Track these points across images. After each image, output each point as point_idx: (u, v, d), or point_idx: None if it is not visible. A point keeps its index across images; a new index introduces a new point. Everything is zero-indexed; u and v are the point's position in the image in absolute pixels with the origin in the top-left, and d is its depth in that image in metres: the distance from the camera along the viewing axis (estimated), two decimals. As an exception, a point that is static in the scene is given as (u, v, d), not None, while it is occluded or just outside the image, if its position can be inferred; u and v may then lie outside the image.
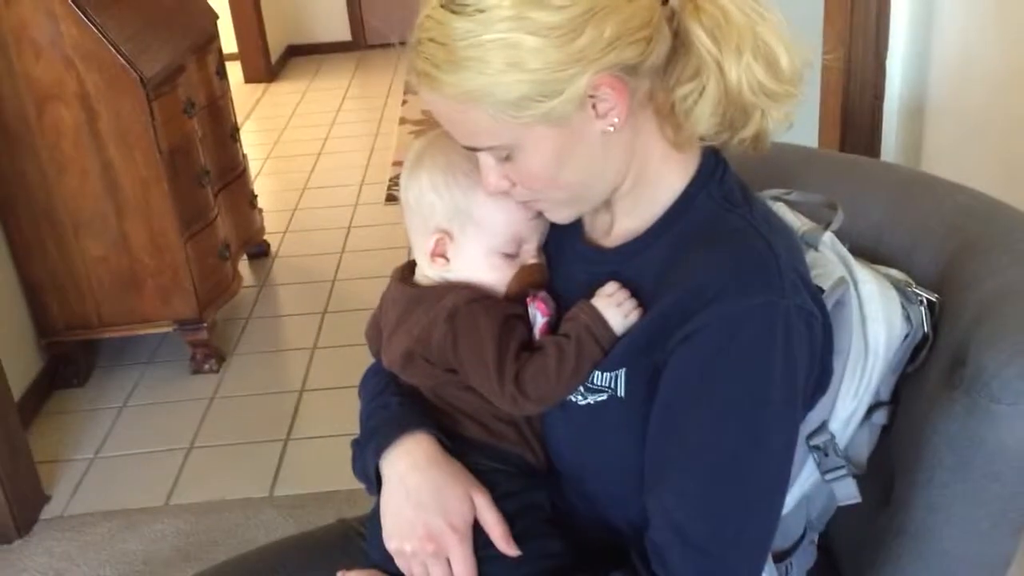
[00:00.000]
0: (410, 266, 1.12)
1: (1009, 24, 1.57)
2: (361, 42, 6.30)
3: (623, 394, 0.96)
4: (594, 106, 0.88)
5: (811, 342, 0.91)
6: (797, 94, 0.94)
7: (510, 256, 1.05)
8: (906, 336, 1.05)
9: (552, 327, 1.02)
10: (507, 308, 1.02)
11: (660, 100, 0.92)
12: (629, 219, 1.00)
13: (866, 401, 1.04)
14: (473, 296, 1.02)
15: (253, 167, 4.18)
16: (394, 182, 4.09)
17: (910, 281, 1.08)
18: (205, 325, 2.78)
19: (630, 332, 0.96)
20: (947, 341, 1.04)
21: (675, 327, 0.90)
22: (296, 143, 4.68)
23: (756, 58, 0.89)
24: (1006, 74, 1.55)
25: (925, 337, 1.06)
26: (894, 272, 1.10)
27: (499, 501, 0.99)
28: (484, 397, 1.01)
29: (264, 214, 3.48)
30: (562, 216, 1.00)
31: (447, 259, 1.05)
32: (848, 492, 1.04)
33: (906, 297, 1.06)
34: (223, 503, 2.30)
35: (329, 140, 4.69)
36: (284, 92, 5.53)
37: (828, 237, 1.07)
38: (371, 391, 1.12)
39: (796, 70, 0.92)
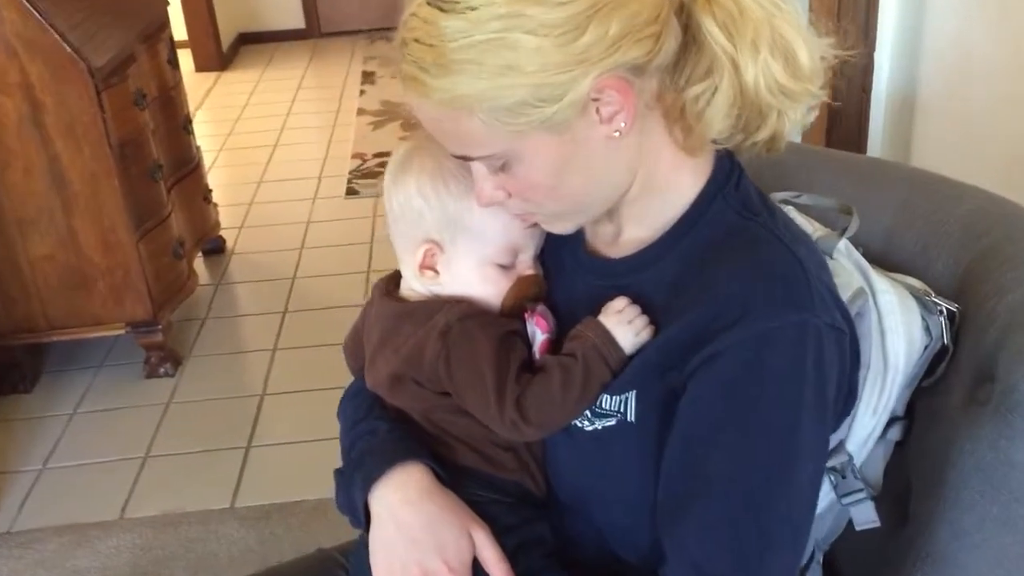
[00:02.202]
0: (395, 278, 1.04)
1: (1010, 15, 1.52)
2: (315, 30, 6.15)
3: (633, 418, 0.88)
4: (598, 110, 0.81)
5: (841, 362, 0.85)
6: (816, 92, 0.87)
7: (505, 267, 0.97)
8: (924, 348, 0.99)
9: (553, 344, 0.94)
10: (505, 324, 0.94)
11: (669, 101, 0.85)
12: (637, 228, 0.93)
13: (884, 419, 0.98)
14: (467, 311, 0.94)
15: (206, 160, 4.01)
16: (354, 175, 3.98)
17: (928, 290, 1.02)
18: (160, 327, 2.66)
19: (641, 352, 0.88)
20: (970, 354, 0.98)
21: (694, 348, 0.83)
22: (250, 135, 4.54)
23: (773, 54, 0.82)
24: (1007, 67, 1.50)
25: (944, 349, 0.99)
26: (911, 280, 1.04)
27: (499, 536, 0.92)
28: (480, 422, 0.93)
29: (219, 209, 3.36)
30: (562, 228, 0.93)
31: (437, 271, 0.97)
32: (867, 516, 0.98)
33: (925, 307, 0.99)
34: (182, 515, 2.20)
35: (285, 131, 4.55)
36: (236, 82, 5.37)
37: (843, 244, 1.01)
38: (352, 414, 1.03)
39: (815, 66, 0.85)
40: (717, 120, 0.84)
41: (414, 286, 1.00)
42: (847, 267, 0.98)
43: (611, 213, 0.92)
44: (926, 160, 1.85)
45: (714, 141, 0.87)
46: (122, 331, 2.66)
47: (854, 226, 1.02)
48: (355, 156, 4.16)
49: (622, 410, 0.89)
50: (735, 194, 0.90)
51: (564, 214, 0.90)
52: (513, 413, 0.89)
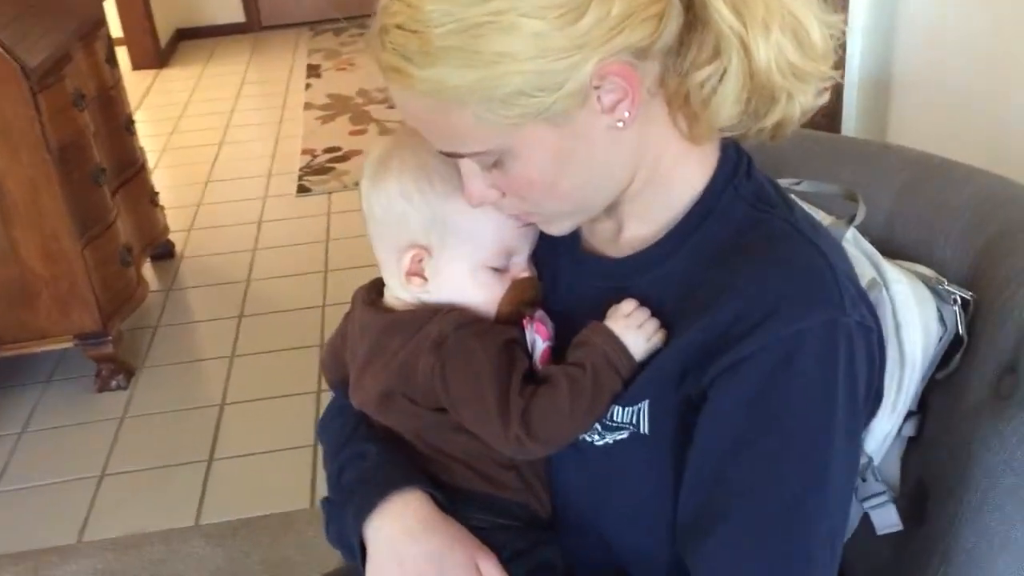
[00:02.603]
0: (377, 286, 0.96)
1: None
2: (256, 23, 5.98)
3: (647, 431, 0.82)
4: (599, 98, 0.75)
5: (870, 362, 0.79)
6: (829, 72, 0.82)
7: (499, 271, 0.90)
8: (939, 339, 0.94)
9: (554, 353, 0.88)
10: (502, 332, 0.87)
11: (672, 87, 0.79)
12: (640, 224, 0.86)
13: (902, 416, 0.93)
14: (461, 320, 0.87)
15: (149, 161, 3.90)
16: (304, 172, 3.87)
17: (941, 278, 0.97)
18: (110, 338, 2.54)
19: (653, 359, 0.82)
20: (990, 345, 0.93)
21: (713, 354, 0.77)
22: (194, 133, 4.40)
23: (785, 33, 0.77)
24: (985, 45, 1.47)
25: (958, 339, 0.95)
26: (921, 268, 0.99)
27: (507, 564, 0.85)
28: (478, 439, 0.86)
29: (166, 212, 3.23)
30: (560, 228, 0.86)
31: (425, 278, 0.90)
32: (889, 520, 0.93)
33: (939, 296, 0.95)
34: (144, 536, 2.09)
35: (230, 129, 4.42)
36: (176, 79, 5.20)
37: (851, 233, 0.96)
38: (337, 436, 0.96)
39: (827, 45, 0.80)
40: (725, 106, 0.78)
41: (400, 295, 0.92)
42: (857, 257, 0.93)
43: (611, 209, 0.86)
44: (903, 141, 1.81)
45: (721, 130, 0.81)
46: (70, 344, 2.54)
47: (861, 213, 0.97)
48: (304, 152, 4.05)
49: (635, 422, 0.83)
50: (746, 185, 0.84)
51: (563, 213, 0.83)
52: (518, 429, 0.82)
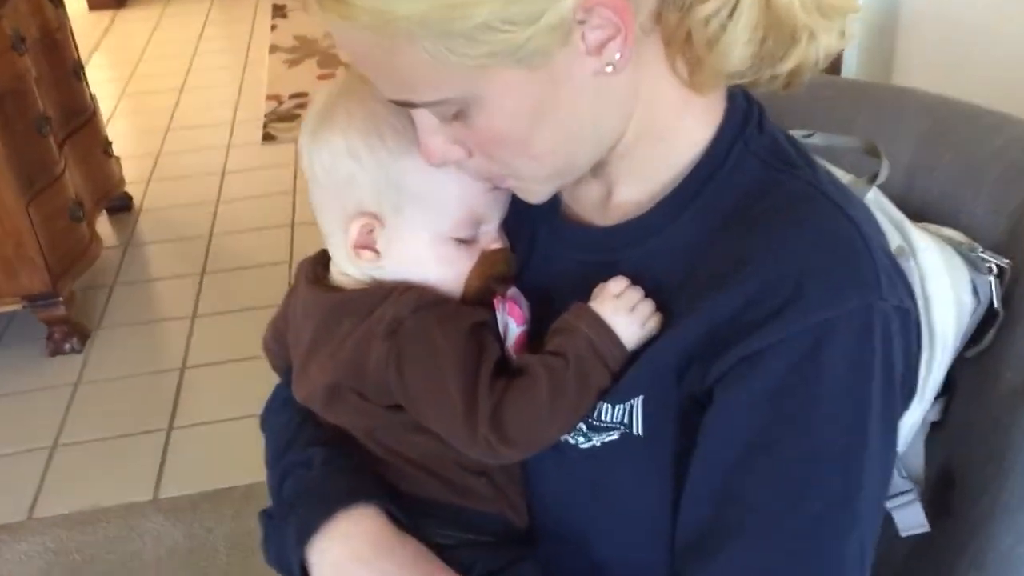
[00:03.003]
0: (323, 260, 0.82)
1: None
2: (219, -39, 5.71)
3: (641, 432, 0.70)
4: (583, 36, 0.61)
5: (907, 350, 0.67)
6: (856, 8, 0.68)
7: (465, 242, 0.76)
8: (971, 313, 0.82)
9: (531, 338, 0.75)
10: (469, 315, 0.74)
11: (672, 24, 0.65)
12: (632, 187, 0.73)
13: (930, 401, 0.81)
14: (420, 301, 0.73)
15: (105, 108, 3.69)
16: (270, 119, 3.68)
17: (974, 244, 0.85)
18: (61, 299, 2.38)
19: (648, 347, 0.69)
20: (1029, 319, 0.81)
21: (723, 344, 0.64)
22: (154, 78, 4.18)
23: None
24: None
25: (993, 313, 0.82)
26: (950, 232, 0.87)
27: (478, 588, 0.72)
28: (442, 440, 0.73)
29: (123, 162, 3.05)
30: (538, 193, 0.73)
31: (376, 251, 0.76)
32: (915, 520, 0.82)
33: (973, 265, 0.82)
34: (99, 512, 1.97)
35: (192, 73, 4.20)
36: (135, 19, 4.95)
37: (873, 194, 0.83)
38: (280, 436, 0.83)
39: None
40: (735, 48, 0.64)
41: (348, 270, 0.79)
42: (881, 221, 0.80)
43: (598, 169, 0.72)
44: (909, 84, 1.67)
45: (729, 76, 0.68)
46: (18, 307, 2.38)
47: (885, 170, 0.84)
48: (270, 98, 3.86)
49: (626, 421, 0.70)
50: (758, 139, 0.70)
51: (540, 176, 0.70)
52: (488, 430, 0.69)
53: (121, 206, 3.07)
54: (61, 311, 2.41)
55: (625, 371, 0.70)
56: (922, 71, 1.63)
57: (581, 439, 0.72)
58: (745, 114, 0.71)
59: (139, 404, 2.28)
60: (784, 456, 0.63)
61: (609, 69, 0.63)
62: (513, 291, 0.77)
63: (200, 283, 2.72)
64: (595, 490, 0.73)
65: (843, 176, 0.86)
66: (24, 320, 2.49)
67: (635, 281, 0.71)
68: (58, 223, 2.41)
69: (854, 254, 0.63)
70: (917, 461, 0.85)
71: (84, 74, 2.81)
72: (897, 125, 1.00)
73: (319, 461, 0.76)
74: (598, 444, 0.71)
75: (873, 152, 0.86)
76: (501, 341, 0.75)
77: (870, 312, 0.62)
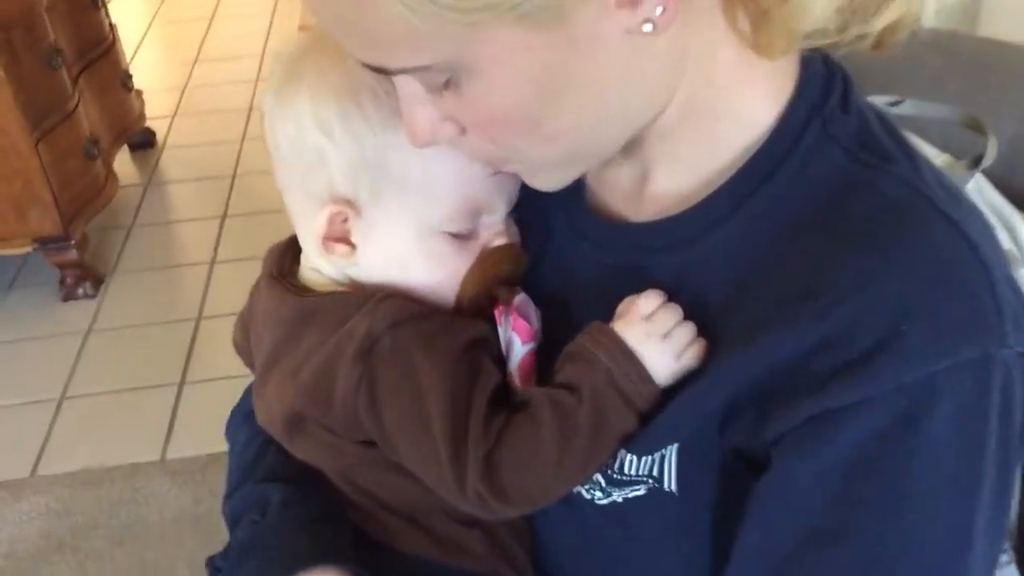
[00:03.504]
0: (292, 249, 0.67)
1: None
2: None
3: (674, 487, 0.55)
4: None
5: None
6: None
7: (461, 236, 0.61)
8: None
9: (542, 357, 0.60)
10: (464, 331, 0.59)
11: None
12: (674, 175, 0.57)
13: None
14: (400, 312, 0.59)
15: (133, 37, 3.56)
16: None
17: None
18: (72, 242, 2.27)
19: (687, 385, 0.54)
20: None
21: (788, 394, 0.49)
22: (184, 6, 4.02)
23: None
24: None
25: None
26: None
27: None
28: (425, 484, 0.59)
29: (147, 95, 2.92)
30: (549, 181, 0.57)
31: (352, 245, 0.61)
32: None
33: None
34: (104, 472, 1.87)
35: (223, 2, 4.04)
36: (169, -57, 4.78)
37: (975, 181, 0.66)
38: (239, 460, 0.69)
39: None
40: (818, 2, 0.48)
41: (320, 267, 0.64)
42: (985, 215, 0.63)
43: (630, 148, 0.56)
44: (1000, 36, 1.47)
45: (806, 37, 0.52)
46: (29, 249, 2.28)
47: (992, 151, 0.67)
48: (302, 28, 3.68)
49: (656, 474, 0.55)
50: (842, 121, 0.54)
51: (552, 159, 0.54)
52: (478, 482, 0.55)
53: (144, 142, 2.94)
54: (73, 255, 2.29)
55: (655, 413, 0.55)
56: (1013, 22, 1.42)
57: (598, 494, 0.57)
58: (825, 86, 0.55)
59: (152, 355, 2.17)
60: (860, 552, 0.47)
61: (648, 28, 0.47)
62: (520, 299, 0.62)
63: (221, 227, 2.60)
64: (617, 552, 0.59)
65: (936, 157, 0.69)
66: (38, 263, 2.38)
67: (672, 297, 0.56)
68: (70, 162, 2.29)
69: (970, 287, 0.47)
70: (1011, 516, 0.69)
71: (103, 2, 2.66)
72: (998, 90, 0.83)
73: (276, 503, 0.62)
74: (619, 500, 0.57)
75: (975, 127, 0.69)
76: (503, 361, 0.60)
77: (988, 365, 0.46)
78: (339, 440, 0.60)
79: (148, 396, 2.06)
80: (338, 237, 0.61)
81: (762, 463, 0.51)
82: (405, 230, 0.60)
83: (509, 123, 0.50)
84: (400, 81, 0.53)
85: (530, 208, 0.64)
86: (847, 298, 0.47)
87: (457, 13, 0.44)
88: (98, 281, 2.39)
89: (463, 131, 0.53)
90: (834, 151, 0.53)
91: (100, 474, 1.87)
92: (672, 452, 0.55)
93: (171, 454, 1.91)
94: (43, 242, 2.26)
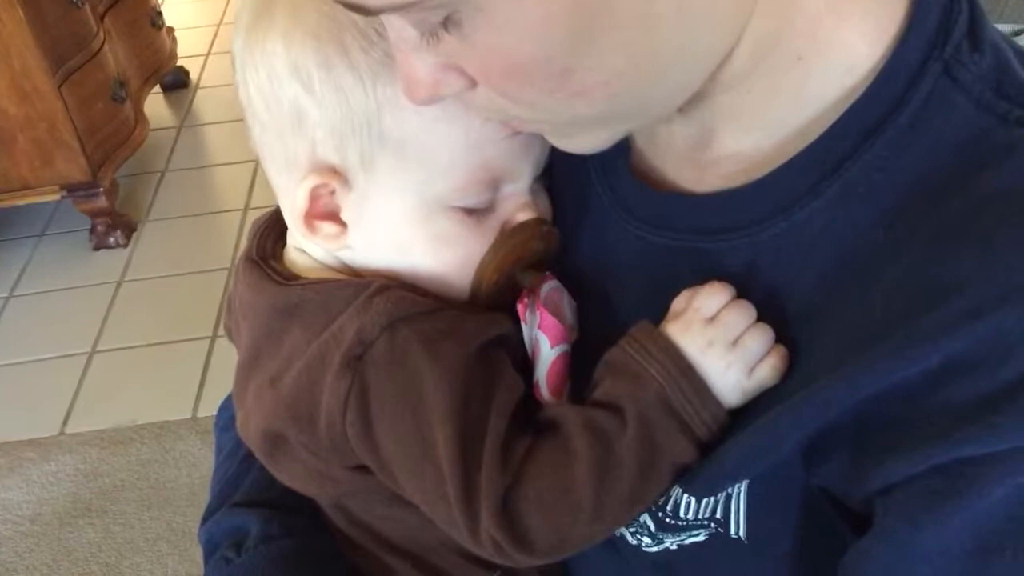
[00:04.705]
0: (277, 226, 0.56)
1: None
2: None
3: (742, 533, 0.44)
4: None
5: None
6: None
7: (476, 213, 0.49)
8: None
9: (575, 366, 0.48)
10: (478, 330, 0.48)
11: None
12: (744, 134, 0.45)
13: None
14: (400, 309, 0.47)
15: (166, -29, 3.44)
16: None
17: None
18: (101, 189, 2.19)
19: (764, 407, 0.42)
20: None
21: (904, 431, 0.37)
22: (220, -61, 3.89)
23: None
24: None
25: None
26: None
27: None
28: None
29: (179, 34, 2.81)
30: (583, 143, 0.45)
31: (342, 224, 0.50)
32: None
33: None
34: (133, 430, 1.81)
35: (260, -67, 3.89)
36: None
37: None
38: (221, 469, 0.59)
39: None
40: None
41: (307, 249, 0.53)
42: None
43: (690, 102, 0.43)
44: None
45: None
46: (56, 196, 2.20)
47: None
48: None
49: (720, 517, 0.44)
50: (971, 61, 0.40)
51: (586, 120, 0.42)
52: (494, 526, 0.44)
53: (176, 82, 2.85)
54: (102, 202, 2.21)
55: (720, 443, 0.43)
56: None
57: (647, 540, 0.45)
58: (946, 14, 0.41)
59: (184, 307, 2.09)
60: None
61: None
62: (550, 287, 0.50)
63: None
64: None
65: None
66: (70, 211, 2.31)
67: (742, 292, 0.43)
68: (96, 105, 2.19)
69: None
70: None
71: (130, -65, 2.54)
72: None
73: (254, 537, 0.52)
74: (673, 547, 0.45)
75: None
76: (528, 367, 0.49)
77: None
78: (327, 465, 0.49)
79: (180, 350, 1.99)
80: (324, 214, 0.49)
81: (861, 514, 0.39)
82: (405, 205, 0.48)
83: (528, 73, 0.38)
84: (389, 22, 0.40)
85: (562, 175, 0.52)
86: (993, 307, 0.35)
87: None
88: (130, 229, 2.31)
89: (472, 83, 0.41)
90: (963, 103, 0.39)
91: (129, 432, 1.81)
92: (741, 490, 0.43)
93: (202, 412, 1.84)
94: (71, 189, 2.18)
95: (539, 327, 0.48)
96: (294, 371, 0.48)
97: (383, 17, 0.40)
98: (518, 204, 0.50)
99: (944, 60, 0.40)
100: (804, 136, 0.42)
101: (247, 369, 0.53)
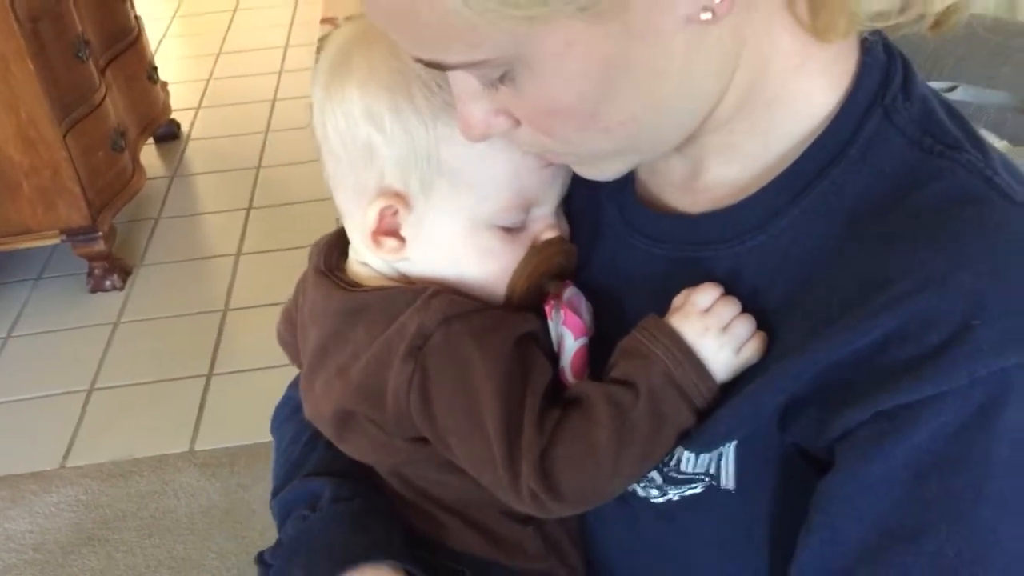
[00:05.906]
0: (339, 244, 0.67)
1: None
2: None
3: (731, 484, 0.54)
4: None
5: None
6: None
7: (511, 230, 0.60)
8: None
9: (594, 351, 0.59)
10: (514, 326, 0.59)
11: None
12: (729, 165, 0.57)
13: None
14: (451, 308, 0.58)
15: (156, 29, 3.58)
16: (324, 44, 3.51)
17: None
18: (100, 234, 2.28)
19: (746, 380, 0.53)
20: None
21: (854, 390, 0.48)
22: (207, -2, 4.03)
23: None
24: None
25: None
26: None
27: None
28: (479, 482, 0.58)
29: (171, 88, 2.93)
30: (603, 171, 0.56)
31: (402, 239, 0.60)
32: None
33: None
34: (133, 463, 1.88)
35: (246, -7, 4.05)
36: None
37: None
38: (287, 454, 0.69)
39: None
40: None
41: (369, 261, 0.63)
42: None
43: (685, 141, 0.55)
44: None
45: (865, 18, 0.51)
46: (57, 240, 2.29)
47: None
48: (324, 21, 3.67)
49: (713, 471, 0.55)
50: (904, 107, 0.53)
51: (608, 150, 0.53)
52: (533, 480, 0.54)
53: (169, 134, 2.96)
54: (100, 246, 2.30)
55: (713, 410, 0.54)
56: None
57: (654, 491, 0.56)
58: (885, 72, 0.54)
59: (179, 347, 2.18)
60: (935, 553, 0.46)
61: (706, 16, 0.46)
62: (571, 292, 0.61)
63: (246, 218, 2.60)
64: (671, 551, 0.58)
65: (996, 142, 0.68)
66: (66, 255, 2.39)
67: (729, 290, 0.55)
68: (97, 153, 2.30)
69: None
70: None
71: (128, -7, 2.67)
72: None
73: (327, 499, 0.62)
74: (675, 498, 0.56)
75: (1036, 116, 0.68)
76: (554, 357, 0.60)
77: None
78: (390, 437, 0.59)
79: (176, 387, 2.07)
80: (388, 231, 0.60)
81: (825, 461, 0.50)
82: (456, 224, 0.59)
83: (566, 115, 0.49)
84: (454, 75, 0.52)
85: (579, 200, 0.63)
86: (918, 291, 0.46)
87: (516, 9, 0.43)
88: (125, 273, 2.40)
89: (517, 123, 0.52)
90: (897, 140, 0.52)
91: (129, 466, 1.88)
92: (730, 449, 0.54)
93: (200, 446, 1.92)
94: (71, 234, 2.27)
95: (563, 324, 0.59)
96: (362, 361, 0.59)
97: (450, 72, 0.51)
98: (545, 224, 0.61)
99: (884, 107, 0.53)
100: (777, 166, 0.54)
101: (315, 365, 0.63)
